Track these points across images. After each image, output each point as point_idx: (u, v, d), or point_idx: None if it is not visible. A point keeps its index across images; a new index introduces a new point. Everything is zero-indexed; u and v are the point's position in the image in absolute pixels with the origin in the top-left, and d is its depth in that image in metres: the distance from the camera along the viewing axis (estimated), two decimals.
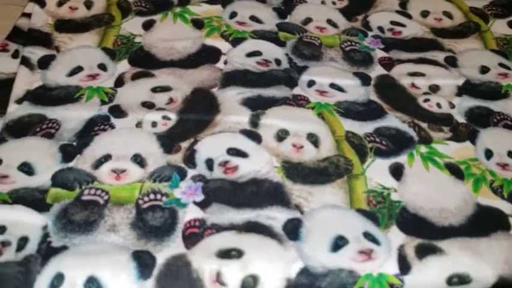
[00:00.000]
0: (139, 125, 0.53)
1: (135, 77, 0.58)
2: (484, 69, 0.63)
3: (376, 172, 0.51)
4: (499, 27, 0.69)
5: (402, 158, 0.53)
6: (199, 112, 0.55)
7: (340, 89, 0.60)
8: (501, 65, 0.64)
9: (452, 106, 0.59)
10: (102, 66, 0.59)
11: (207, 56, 0.61)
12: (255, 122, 0.54)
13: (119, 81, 0.58)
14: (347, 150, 0.53)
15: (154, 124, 0.53)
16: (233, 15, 0.67)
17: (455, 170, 0.52)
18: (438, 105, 0.59)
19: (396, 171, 0.51)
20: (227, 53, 0.62)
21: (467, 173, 0.52)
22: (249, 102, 0.56)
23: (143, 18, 0.65)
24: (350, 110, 0.57)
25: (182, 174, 0.49)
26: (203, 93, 0.57)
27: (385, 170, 0.52)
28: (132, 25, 0.64)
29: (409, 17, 0.70)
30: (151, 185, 0.48)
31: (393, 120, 0.56)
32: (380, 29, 0.68)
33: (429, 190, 0.51)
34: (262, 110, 0.55)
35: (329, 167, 0.51)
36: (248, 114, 0.55)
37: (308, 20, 0.68)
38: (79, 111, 0.54)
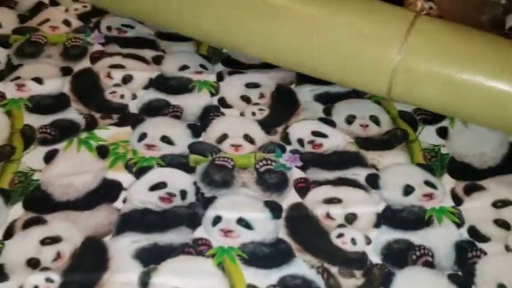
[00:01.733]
0: None
1: (26, 225, 0.53)
2: (408, 189, 0.57)
3: None
4: (427, 135, 0.63)
5: None
6: (86, 270, 0.50)
7: (248, 225, 0.54)
8: (427, 183, 0.58)
9: (369, 241, 0.53)
10: None
11: (105, 193, 0.56)
12: (145, 281, 0.49)
13: (9, 232, 0.53)
14: None
15: None
16: (142, 137, 0.62)
17: None
18: (353, 241, 0.53)
19: None
20: (129, 187, 0.57)
21: None
22: (142, 254, 0.51)
23: (46, 148, 0.60)
24: (255, 254, 0.51)
25: None
26: (94, 244, 0.52)
27: None
28: (33, 158, 0.59)
29: (333, 124, 0.64)
30: None
31: (301, 266, 0.51)
32: (300, 141, 0.62)
33: None
34: (155, 264, 0.50)
35: None
36: (138, 272, 0.49)
37: (224, 137, 0.62)
38: None
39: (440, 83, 0.59)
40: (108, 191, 0.57)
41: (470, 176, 0.60)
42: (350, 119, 0.65)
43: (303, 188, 0.58)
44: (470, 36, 0.60)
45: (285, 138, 0.63)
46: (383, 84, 0.61)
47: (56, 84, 0.67)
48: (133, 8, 0.71)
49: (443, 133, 0.63)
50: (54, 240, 0.52)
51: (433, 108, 0.64)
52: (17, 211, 0.55)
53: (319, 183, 0.58)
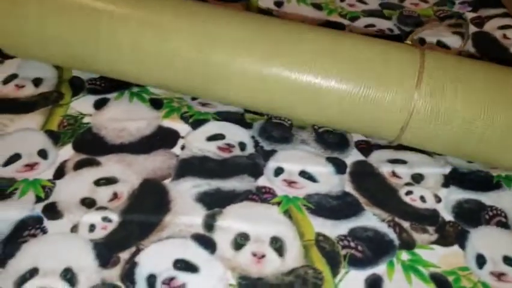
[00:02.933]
0: (74, 228, 0.45)
1: (78, 166, 0.50)
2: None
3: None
4: None
5: (381, 268, 0.44)
6: (146, 211, 0.46)
7: (311, 177, 0.52)
8: None
9: (438, 200, 0.51)
10: (43, 153, 0.51)
11: (162, 139, 0.53)
12: (210, 224, 0.46)
13: (60, 172, 0.49)
14: (317, 259, 0.44)
15: (91, 228, 0.45)
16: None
17: (442, 283, 0.44)
18: (422, 198, 0.51)
19: (374, 287, 0.44)
20: (186, 136, 0.54)
21: (457, 286, 0.44)
22: (205, 198, 0.48)
23: (96, 96, 0.57)
24: (322, 205, 0.49)
25: None
26: (153, 186, 0.49)
27: (361, 285, 0.43)
28: (82, 104, 0.56)
29: None
30: None
31: (371, 219, 0.48)
32: None
33: None
34: (219, 208, 0.47)
35: (295, 282, 0.42)
36: (202, 215, 0.46)
37: None
38: (9, 211, 0.46)
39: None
40: (164, 137, 0.54)
41: None
42: None
43: (365, 148, 0.55)
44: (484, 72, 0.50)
45: None
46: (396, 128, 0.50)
47: None
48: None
49: None
50: (109, 181, 0.49)
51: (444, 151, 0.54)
52: (67, 152, 0.52)
53: (381, 147, 0.56)
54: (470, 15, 0.76)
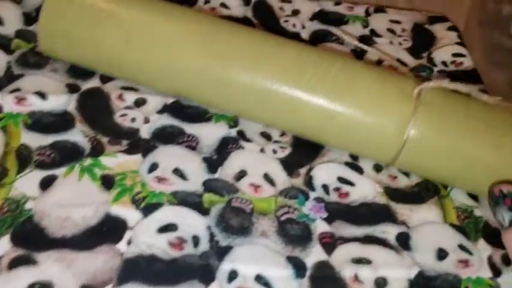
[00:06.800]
0: None
1: (13, 264, 0.44)
2: (442, 254, 0.49)
3: None
4: (459, 193, 0.55)
5: None
6: None
7: (267, 284, 0.45)
8: (461, 247, 0.50)
9: None
10: None
11: (108, 231, 0.47)
12: None
13: None
14: None
15: None
16: (153, 167, 0.53)
17: None
18: None
19: None
20: (134, 226, 0.48)
21: None
22: None
23: (43, 172, 0.51)
24: None
25: None
26: None
27: None
28: (28, 182, 0.50)
29: (360, 171, 0.56)
30: None
31: None
32: (325, 188, 0.54)
33: None
34: None
35: None
36: None
37: (242, 174, 0.54)
38: None
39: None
40: (111, 229, 0.47)
41: None
42: (378, 168, 0.57)
43: (329, 243, 0.50)
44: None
45: (309, 183, 0.54)
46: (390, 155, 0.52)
47: (60, 101, 0.58)
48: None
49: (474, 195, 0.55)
50: (44, 286, 0.43)
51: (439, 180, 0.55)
52: (4, 246, 0.45)
53: (346, 240, 0.50)
54: None
